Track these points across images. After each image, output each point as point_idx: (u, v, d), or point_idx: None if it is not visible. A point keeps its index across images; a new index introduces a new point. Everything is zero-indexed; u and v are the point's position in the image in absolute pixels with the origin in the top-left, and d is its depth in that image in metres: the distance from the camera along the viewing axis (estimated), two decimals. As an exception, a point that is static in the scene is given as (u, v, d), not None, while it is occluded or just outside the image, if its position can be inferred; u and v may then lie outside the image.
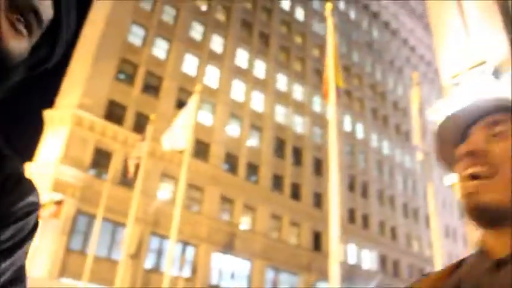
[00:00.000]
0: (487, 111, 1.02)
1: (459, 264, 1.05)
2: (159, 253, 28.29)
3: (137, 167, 20.37)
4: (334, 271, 8.20)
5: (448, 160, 1.10)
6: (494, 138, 0.96)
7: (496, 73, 5.58)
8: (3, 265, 0.89)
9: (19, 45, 0.80)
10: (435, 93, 58.65)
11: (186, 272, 28.70)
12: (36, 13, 0.82)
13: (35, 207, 0.91)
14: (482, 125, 1.00)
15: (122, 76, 31.38)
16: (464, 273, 0.98)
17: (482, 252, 0.97)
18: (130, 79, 31.68)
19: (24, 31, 0.80)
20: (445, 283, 1.00)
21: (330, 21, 11.21)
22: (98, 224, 20.87)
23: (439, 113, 6.21)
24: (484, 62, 5.66)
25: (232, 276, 30.50)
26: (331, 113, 10.03)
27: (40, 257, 22.75)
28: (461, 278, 0.97)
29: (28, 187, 0.91)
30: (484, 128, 0.99)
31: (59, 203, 23.01)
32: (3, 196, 0.87)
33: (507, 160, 0.92)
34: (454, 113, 1.05)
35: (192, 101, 17.59)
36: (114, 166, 25.55)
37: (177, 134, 16.82)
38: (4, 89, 0.79)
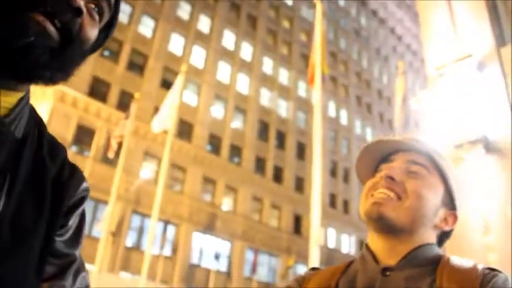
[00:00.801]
0: (407, 147, 1.23)
1: (350, 262, 1.25)
2: (140, 231, 28.36)
3: (120, 145, 20.28)
4: (314, 254, 8.36)
5: (362, 173, 1.32)
6: (410, 175, 1.17)
7: (481, 67, 5.70)
8: (77, 252, 0.96)
9: (94, 32, 0.85)
10: (420, 82, 59.08)
11: (167, 251, 28.85)
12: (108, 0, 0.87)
13: (88, 192, 0.98)
14: (404, 159, 1.21)
15: (106, 53, 31.02)
16: (358, 271, 1.16)
17: (370, 253, 1.17)
18: (115, 56, 31.35)
19: (97, 18, 0.85)
20: (340, 279, 1.16)
21: (319, 7, 11.24)
22: (79, 201, 20.79)
23: (422, 103, 6.35)
24: (470, 55, 5.78)
25: (213, 256, 30.74)
26: (316, 98, 10.11)
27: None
28: (353, 276, 1.15)
29: (80, 173, 0.97)
30: (405, 162, 1.20)
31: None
32: (65, 183, 0.90)
33: (414, 195, 1.14)
34: (384, 140, 1.27)
35: (178, 81, 17.54)
36: (97, 143, 25.43)
37: (164, 114, 16.79)
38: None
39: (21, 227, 0.77)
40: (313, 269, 1.31)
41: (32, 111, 0.89)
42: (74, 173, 0.95)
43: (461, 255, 1.21)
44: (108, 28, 0.94)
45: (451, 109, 5.70)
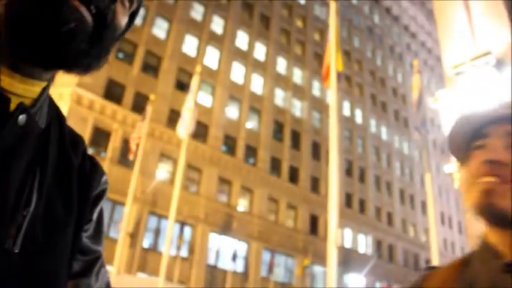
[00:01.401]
0: (502, 118, 1.08)
1: (467, 260, 1.10)
2: (157, 232, 28.49)
3: (137, 146, 20.43)
4: (332, 255, 8.32)
5: (459, 153, 1.16)
6: (510, 149, 1.03)
7: (499, 64, 5.62)
8: (101, 248, 0.94)
9: (125, 19, 0.83)
10: (435, 80, 58.63)
11: (184, 252, 28.95)
12: None
13: (108, 185, 0.95)
14: (500, 132, 1.06)
15: (121, 55, 31.24)
16: (475, 272, 1.03)
17: (488, 249, 1.03)
18: (129, 58, 31.54)
19: (128, 5, 0.83)
20: (456, 282, 1.04)
21: (333, 6, 11.18)
22: (96, 203, 20.91)
23: (440, 101, 6.27)
24: (488, 53, 5.70)
25: (230, 257, 30.77)
26: (332, 98, 10.07)
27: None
28: (472, 277, 1.02)
29: (100, 164, 0.95)
30: (502, 137, 1.05)
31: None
32: (89, 174, 0.89)
33: None
34: (470, 114, 1.12)
35: (194, 83, 17.60)
36: (113, 145, 25.61)
37: (186, 119, 16.84)
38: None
39: (54, 223, 0.75)
40: (429, 268, 1.20)
41: (51, 100, 0.87)
42: (95, 165, 0.93)
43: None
44: (132, 17, 0.91)
45: (469, 107, 5.63)
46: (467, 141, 1.13)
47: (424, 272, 1.18)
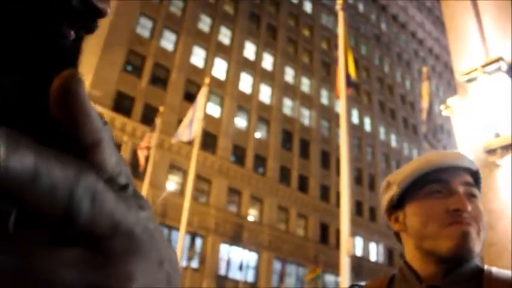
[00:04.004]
0: (460, 167, 1.19)
1: (390, 280, 1.24)
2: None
3: (146, 158, 20.49)
4: (345, 264, 8.27)
5: (406, 190, 1.25)
6: (472, 200, 1.15)
7: (511, 70, 5.59)
8: None
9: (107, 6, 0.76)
10: (443, 87, 58.43)
11: (194, 263, 28.90)
12: None
13: None
14: (461, 181, 1.17)
15: (129, 68, 31.47)
16: None
17: (411, 273, 1.17)
18: (138, 71, 31.76)
19: None
20: None
21: (341, 15, 11.20)
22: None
23: (452, 109, 6.24)
24: (500, 59, 5.67)
25: (240, 267, 30.69)
26: (342, 105, 10.06)
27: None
28: None
29: None
30: (462, 185, 1.16)
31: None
32: None
33: (484, 226, 1.13)
34: (429, 157, 1.21)
35: (202, 94, 17.66)
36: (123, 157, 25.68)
37: (189, 126, 16.90)
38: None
39: None
40: (353, 286, 1.31)
41: None
42: None
43: (501, 263, 1.19)
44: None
45: (482, 114, 5.59)
46: (420, 183, 1.20)
47: (353, 286, 1.30)
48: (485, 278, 1.10)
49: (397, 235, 1.35)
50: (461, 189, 1.15)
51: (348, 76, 9.94)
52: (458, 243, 1.09)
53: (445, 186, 1.16)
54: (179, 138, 17.82)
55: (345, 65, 10.02)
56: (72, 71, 0.29)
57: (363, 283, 1.33)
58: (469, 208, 1.11)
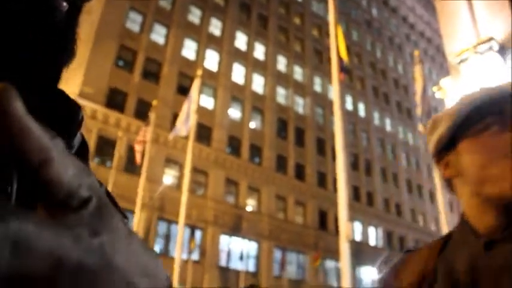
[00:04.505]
0: None
1: (446, 239, 1.07)
2: (167, 238, 28.56)
3: (142, 153, 20.47)
4: (344, 249, 8.32)
5: (465, 124, 1.06)
6: None
7: (502, 50, 5.60)
8: None
9: None
10: (436, 70, 58.48)
11: (195, 255, 29.00)
12: None
13: None
14: None
15: (121, 63, 31.32)
16: (455, 251, 1.00)
17: (468, 229, 1.00)
18: (129, 66, 31.62)
19: None
20: (436, 262, 1.01)
21: (331, 1, 11.18)
22: (105, 212, 20.90)
23: (445, 90, 6.25)
24: (491, 39, 5.69)
25: (241, 257, 30.83)
26: (335, 91, 10.07)
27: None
28: (452, 256, 0.99)
29: None
30: None
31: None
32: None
33: None
34: (491, 88, 1.03)
35: (195, 86, 17.63)
36: (118, 153, 25.67)
37: (186, 121, 16.89)
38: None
39: None
40: (409, 250, 1.15)
41: None
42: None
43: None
44: None
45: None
46: (475, 117, 1.02)
47: (403, 255, 1.15)
48: None
49: (449, 183, 1.13)
50: None
51: (340, 61, 9.93)
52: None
53: (505, 118, 0.97)
54: (177, 133, 17.79)
55: (336, 50, 10.02)
56: (3, 86, 0.27)
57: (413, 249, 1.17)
58: None
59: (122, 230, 0.32)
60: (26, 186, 0.29)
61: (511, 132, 0.96)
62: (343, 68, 9.86)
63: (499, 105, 0.99)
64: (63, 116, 0.64)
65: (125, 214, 0.72)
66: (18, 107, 0.27)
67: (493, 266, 0.89)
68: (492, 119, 0.99)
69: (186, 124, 17.00)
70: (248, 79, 38.58)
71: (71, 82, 28.30)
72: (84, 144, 0.72)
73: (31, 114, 0.43)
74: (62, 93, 0.68)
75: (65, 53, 0.66)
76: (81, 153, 0.70)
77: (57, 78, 0.67)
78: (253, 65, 39.48)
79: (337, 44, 10.17)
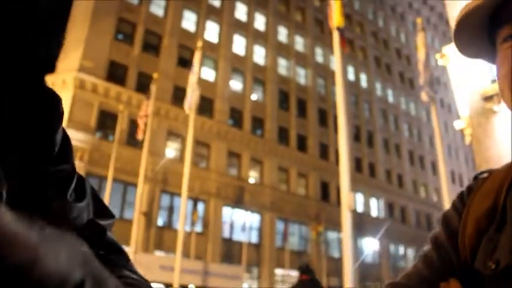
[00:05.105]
0: None
1: None
2: (170, 210, 28.76)
3: (144, 128, 20.47)
4: (346, 219, 8.36)
5: (474, 50, 0.89)
6: None
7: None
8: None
9: None
10: (438, 38, 57.84)
11: (198, 228, 29.26)
12: None
13: None
14: None
15: (120, 36, 31.02)
16: None
17: None
18: (129, 39, 31.33)
19: None
20: (508, 195, 0.83)
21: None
22: (108, 185, 21.12)
23: (447, 58, 6.13)
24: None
25: (244, 229, 31.10)
26: (338, 64, 9.97)
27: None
28: None
29: None
30: None
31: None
32: None
33: None
34: None
35: (196, 58, 17.51)
36: (120, 127, 25.65)
37: (189, 93, 16.86)
38: None
39: None
40: (482, 173, 0.94)
41: None
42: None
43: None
44: None
45: (478, 62, 5.51)
46: (484, 28, 0.84)
47: (480, 175, 0.94)
48: None
49: None
50: None
51: (341, 32, 9.84)
52: None
53: None
54: (190, 105, 17.67)
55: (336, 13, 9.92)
56: None
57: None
58: None
59: None
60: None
61: None
62: (343, 36, 9.75)
63: None
64: (45, 112, 0.66)
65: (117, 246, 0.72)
66: (1, 214, 0.27)
67: None
68: (507, 30, 0.80)
69: (190, 97, 16.98)
70: (249, 50, 38.26)
71: (71, 56, 28.09)
72: (66, 139, 0.72)
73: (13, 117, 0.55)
74: (42, 85, 0.68)
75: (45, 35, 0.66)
76: (64, 149, 0.70)
77: (37, 65, 0.67)
78: (253, 36, 39.10)
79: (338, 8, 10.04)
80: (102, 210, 0.78)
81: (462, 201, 0.92)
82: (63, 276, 0.30)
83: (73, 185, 0.69)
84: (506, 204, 0.81)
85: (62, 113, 0.70)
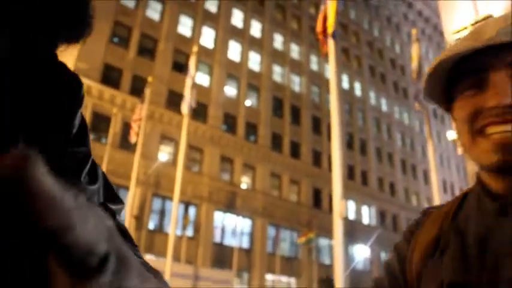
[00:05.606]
0: (505, 45, 0.82)
1: (463, 198, 0.99)
2: (162, 214, 28.68)
3: (138, 131, 20.44)
4: (338, 226, 8.39)
5: (436, 97, 0.97)
6: None
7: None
8: None
9: None
10: (433, 49, 58.25)
11: (189, 232, 29.19)
12: None
13: None
14: (504, 64, 0.82)
15: (116, 39, 31.02)
16: (469, 216, 0.92)
17: (484, 189, 0.90)
18: (125, 42, 31.33)
19: None
20: (449, 226, 0.94)
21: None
22: (100, 187, 20.93)
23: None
24: (489, 16, 5.65)
25: (235, 234, 31.05)
26: (332, 72, 10.03)
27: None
28: (465, 224, 0.91)
29: None
30: (507, 72, 0.82)
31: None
32: None
33: None
34: (458, 42, 0.88)
35: (192, 63, 17.54)
36: (113, 129, 25.61)
37: (187, 98, 16.85)
38: None
39: None
40: (429, 208, 1.09)
41: None
42: None
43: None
44: None
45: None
46: (454, 77, 0.91)
47: (424, 212, 1.09)
48: None
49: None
50: (506, 76, 0.81)
51: (325, 32, 9.90)
52: (494, 155, 0.81)
53: (485, 75, 0.84)
54: (190, 105, 17.62)
55: (322, 20, 10.00)
56: (25, 155, 0.28)
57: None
58: (506, 99, 0.80)
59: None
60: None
61: (480, 95, 0.85)
62: (326, 36, 9.81)
63: (476, 59, 0.85)
64: (67, 94, 0.67)
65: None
66: (41, 175, 0.28)
67: (506, 230, 0.81)
68: (467, 79, 0.88)
69: (188, 101, 16.99)
70: (244, 57, 38.35)
71: (66, 58, 27.91)
72: (83, 122, 0.74)
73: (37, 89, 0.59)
74: (64, 68, 0.70)
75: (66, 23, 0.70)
76: (82, 132, 0.71)
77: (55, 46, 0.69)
78: (249, 43, 39.21)
79: (324, 17, 10.12)
80: (112, 195, 0.80)
81: (411, 232, 1.05)
82: (91, 246, 0.31)
83: (87, 168, 0.71)
84: (449, 231, 0.92)
85: (83, 97, 0.73)
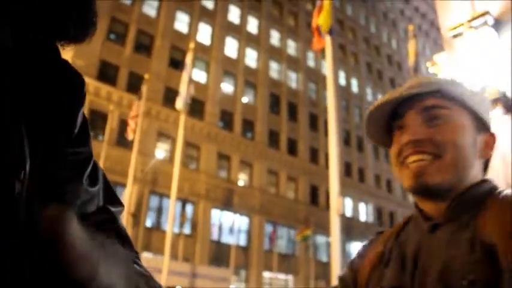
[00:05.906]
0: (415, 95, 1.09)
1: (406, 221, 1.21)
2: (159, 211, 28.65)
3: (134, 129, 20.35)
4: (335, 223, 8.38)
5: (380, 137, 1.21)
6: (433, 123, 1.05)
7: (497, 24, 5.54)
8: None
9: None
10: (430, 46, 58.26)
11: (187, 229, 29.17)
12: None
13: None
14: (415, 110, 1.08)
15: (112, 36, 30.91)
16: (408, 234, 1.12)
17: (421, 213, 1.10)
18: (121, 39, 31.23)
19: None
20: (392, 245, 1.14)
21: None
22: (97, 185, 20.87)
23: (438, 66, 6.21)
24: (486, 13, 5.63)
25: (232, 231, 31.05)
26: (329, 68, 10.00)
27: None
28: (405, 240, 1.11)
29: None
30: (419, 112, 1.07)
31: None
32: None
33: (450, 145, 1.02)
34: (384, 98, 1.13)
35: (189, 59, 17.48)
36: (110, 126, 25.52)
37: (182, 93, 16.76)
38: None
39: None
40: (378, 233, 1.29)
41: None
42: None
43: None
44: None
45: (468, 70, 5.58)
46: (386, 123, 1.17)
47: (374, 236, 1.28)
48: (489, 201, 0.99)
49: None
50: (417, 118, 1.06)
51: (318, 29, 9.89)
52: (413, 180, 1.04)
53: (403, 121, 1.10)
54: (186, 100, 17.55)
55: (317, 16, 9.98)
56: (60, 209, 0.31)
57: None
58: (418, 135, 1.04)
59: None
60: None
61: (401, 136, 1.10)
62: (321, 32, 9.79)
63: (399, 109, 1.12)
64: (68, 92, 0.68)
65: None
66: (74, 231, 0.31)
67: (433, 245, 1.01)
68: (395, 124, 1.13)
69: (186, 96, 16.90)
70: (241, 53, 38.28)
71: (62, 54, 27.86)
72: (85, 122, 0.74)
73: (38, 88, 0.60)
74: (66, 66, 0.71)
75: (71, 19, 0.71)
76: (83, 132, 0.71)
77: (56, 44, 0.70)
78: (246, 39, 39.14)
79: (319, 10, 10.10)
80: (111, 197, 0.79)
81: (364, 248, 1.24)
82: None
83: (89, 169, 0.70)
84: (392, 247, 1.12)
85: (85, 95, 0.72)
